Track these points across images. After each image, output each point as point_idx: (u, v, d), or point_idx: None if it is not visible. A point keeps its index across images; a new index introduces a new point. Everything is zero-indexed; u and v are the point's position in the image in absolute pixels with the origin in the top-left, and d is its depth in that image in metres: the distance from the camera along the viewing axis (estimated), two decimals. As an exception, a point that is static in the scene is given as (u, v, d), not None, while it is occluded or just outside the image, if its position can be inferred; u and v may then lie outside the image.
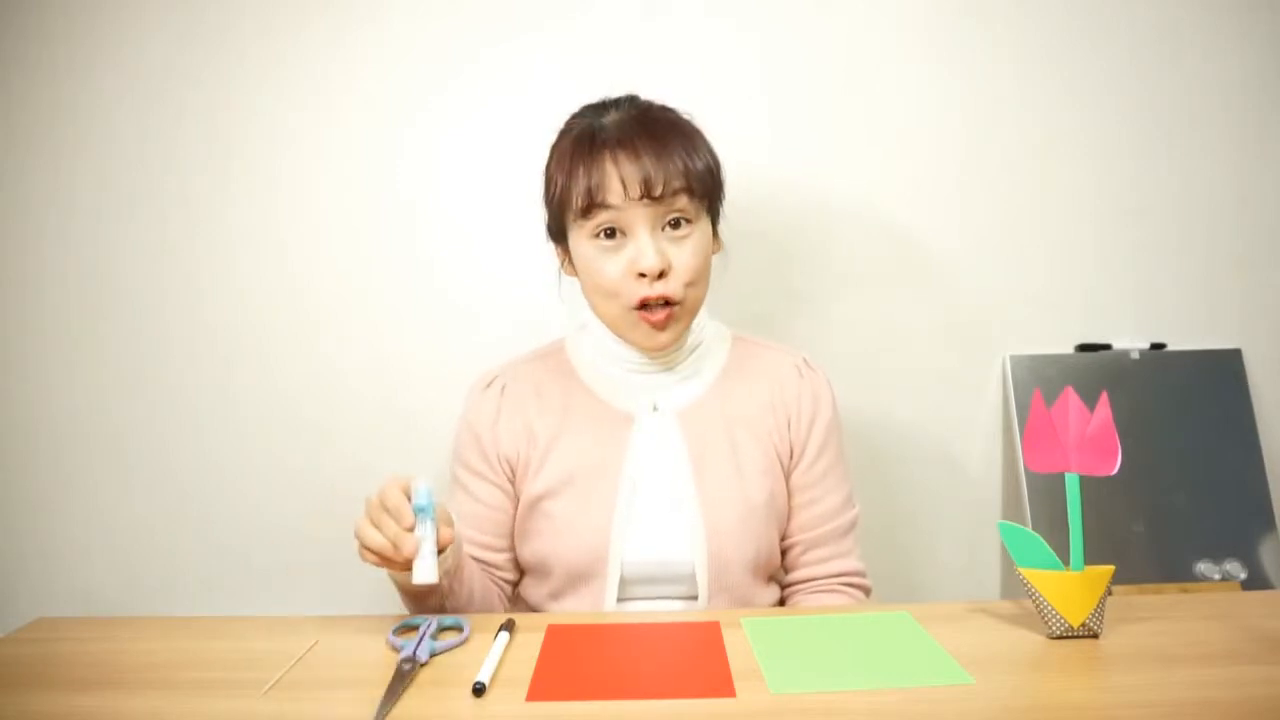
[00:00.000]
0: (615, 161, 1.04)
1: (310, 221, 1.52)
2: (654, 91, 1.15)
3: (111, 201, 1.51)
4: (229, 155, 1.51)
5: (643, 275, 1.05)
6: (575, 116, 1.13)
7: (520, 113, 1.49)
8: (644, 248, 1.04)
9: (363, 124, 1.50)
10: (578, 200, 1.06)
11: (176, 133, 1.50)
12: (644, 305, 1.06)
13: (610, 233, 1.06)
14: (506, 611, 1.13)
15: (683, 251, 1.06)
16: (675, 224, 1.06)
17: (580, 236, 1.08)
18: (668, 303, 1.07)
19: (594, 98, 1.14)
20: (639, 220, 1.05)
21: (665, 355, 1.14)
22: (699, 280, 1.09)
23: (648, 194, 1.03)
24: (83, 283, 1.52)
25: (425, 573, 0.87)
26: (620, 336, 1.12)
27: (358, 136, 1.50)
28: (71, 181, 1.51)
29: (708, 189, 1.08)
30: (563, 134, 1.12)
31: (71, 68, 1.50)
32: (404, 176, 1.51)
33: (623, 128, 1.07)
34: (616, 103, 1.12)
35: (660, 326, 1.07)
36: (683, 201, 1.06)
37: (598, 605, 1.08)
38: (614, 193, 1.04)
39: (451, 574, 0.98)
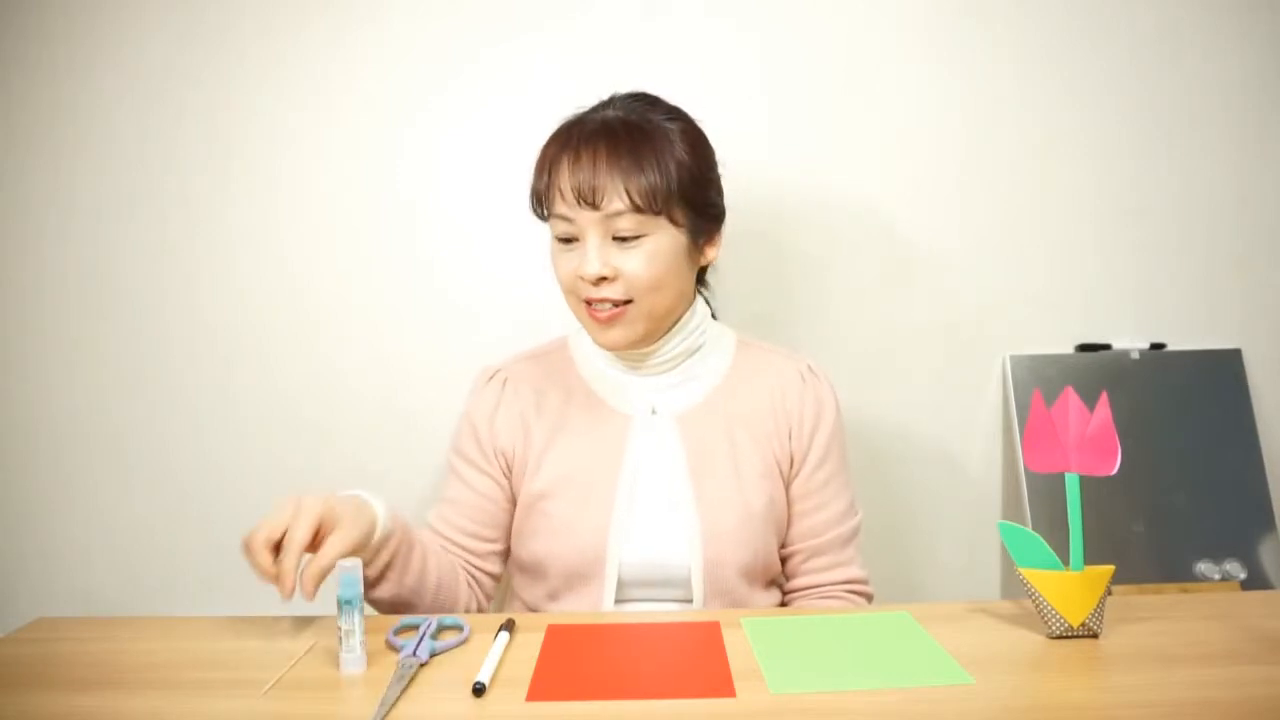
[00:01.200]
0: (567, 168, 1.06)
1: (310, 221, 1.51)
2: (654, 92, 1.15)
3: (111, 201, 1.51)
4: (229, 155, 1.51)
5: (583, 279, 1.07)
6: (574, 113, 1.14)
7: (520, 113, 1.49)
8: (588, 254, 1.05)
9: (363, 124, 1.50)
10: (536, 203, 1.10)
11: (176, 133, 1.50)
12: (590, 303, 1.08)
13: (566, 240, 1.08)
14: (481, 607, 1.14)
15: (630, 259, 1.06)
16: (624, 239, 1.06)
17: (549, 232, 1.11)
18: (616, 303, 1.07)
19: (593, 98, 1.14)
20: (588, 226, 1.06)
21: (648, 359, 1.13)
22: (659, 287, 1.07)
23: (588, 202, 1.04)
24: (83, 283, 1.52)
25: (354, 664, 0.82)
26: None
27: (358, 136, 1.50)
28: (71, 181, 1.51)
29: (659, 203, 1.05)
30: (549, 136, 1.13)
31: (71, 68, 1.50)
32: (404, 176, 1.51)
33: (587, 133, 1.07)
34: (611, 102, 1.13)
35: (605, 324, 1.08)
36: (628, 219, 1.05)
37: (595, 607, 1.08)
38: (565, 198, 1.06)
39: (389, 562, 0.99)
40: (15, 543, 1.56)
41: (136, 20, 1.49)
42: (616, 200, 1.04)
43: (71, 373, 1.54)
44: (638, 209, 1.04)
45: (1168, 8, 1.50)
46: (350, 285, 1.52)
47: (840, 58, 1.50)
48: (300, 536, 0.87)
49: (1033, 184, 1.52)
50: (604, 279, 1.06)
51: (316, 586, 0.87)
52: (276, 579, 0.86)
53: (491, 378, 1.19)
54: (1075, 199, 1.53)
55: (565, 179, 1.05)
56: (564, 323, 1.25)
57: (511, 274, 1.51)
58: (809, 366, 1.18)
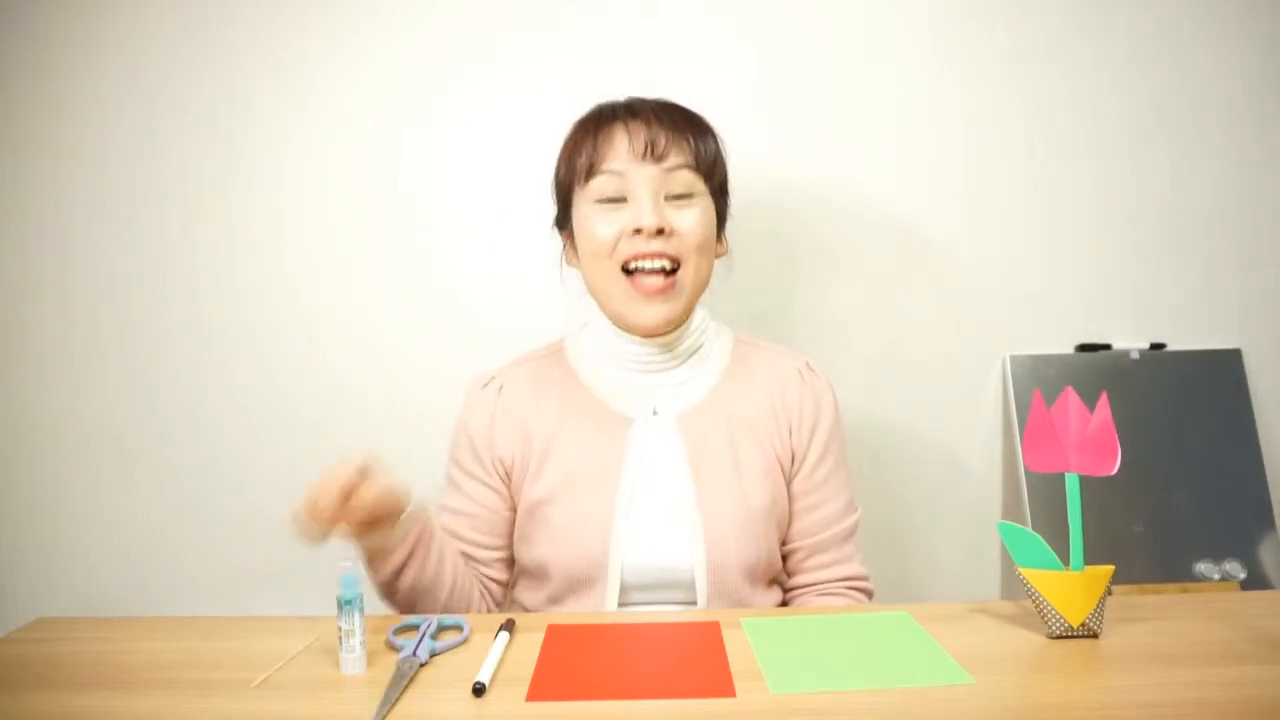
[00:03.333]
0: (626, 128, 1.08)
1: (310, 221, 1.52)
2: (654, 92, 1.15)
3: (111, 201, 1.51)
4: (229, 155, 1.51)
5: (638, 232, 1.06)
6: (592, 107, 1.15)
7: (521, 113, 1.49)
8: (643, 205, 1.06)
9: (363, 124, 1.50)
10: (583, 165, 1.08)
11: (176, 133, 1.50)
12: (637, 270, 1.07)
13: (613, 199, 1.08)
14: (496, 611, 1.14)
15: (685, 217, 1.08)
16: (678, 196, 1.08)
17: (583, 202, 1.10)
18: (666, 272, 1.07)
19: (593, 97, 1.15)
20: (641, 182, 1.06)
21: (666, 350, 1.13)
22: (705, 250, 1.09)
23: (652, 154, 1.05)
24: (83, 283, 1.52)
25: (354, 664, 0.82)
26: (615, 315, 1.11)
27: (358, 136, 1.50)
28: (71, 181, 1.51)
29: (712, 171, 1.10)
30: (577, 120, 1.15)
31: (71, 68, 1.50)
32: (404, 177, 1.51)
33: (634, 104, 1.11)
34: (634, 97, 1.15)
35: (654, 296, 1.07)
36: (686, 175, 1.08)
37: (598, 610, 1.07)
38: (619, 156, 1.07)
39: (414, 546, 1.01)
40: (15, 543, 1.56)
41: (136, 20, 1.49)
42: (680, 155, 1.06)
43: (71, 373, 1.54)
44: (696, 168, 1.07)
45: (1168, 8, 1.50)
46: (350, 285, 1.52)
47: (841, 57, 1.50)
48: (344, 476, 0.93)
49: (1033, 184, 1.52)
50: (659, 232, 1.05)
51: (360, 521, 0.92)
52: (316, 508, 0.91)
53: (486, 385, 1.17)
54: (1075, 199, 1.53)
55: (622, 135, 1.07)
56: (564, 325, 1.25)
57: (512, 274, 1.50)
58: (807, 364, 1.18)
